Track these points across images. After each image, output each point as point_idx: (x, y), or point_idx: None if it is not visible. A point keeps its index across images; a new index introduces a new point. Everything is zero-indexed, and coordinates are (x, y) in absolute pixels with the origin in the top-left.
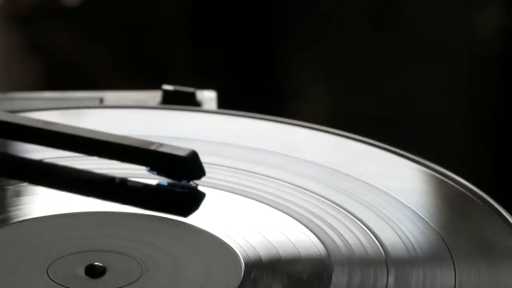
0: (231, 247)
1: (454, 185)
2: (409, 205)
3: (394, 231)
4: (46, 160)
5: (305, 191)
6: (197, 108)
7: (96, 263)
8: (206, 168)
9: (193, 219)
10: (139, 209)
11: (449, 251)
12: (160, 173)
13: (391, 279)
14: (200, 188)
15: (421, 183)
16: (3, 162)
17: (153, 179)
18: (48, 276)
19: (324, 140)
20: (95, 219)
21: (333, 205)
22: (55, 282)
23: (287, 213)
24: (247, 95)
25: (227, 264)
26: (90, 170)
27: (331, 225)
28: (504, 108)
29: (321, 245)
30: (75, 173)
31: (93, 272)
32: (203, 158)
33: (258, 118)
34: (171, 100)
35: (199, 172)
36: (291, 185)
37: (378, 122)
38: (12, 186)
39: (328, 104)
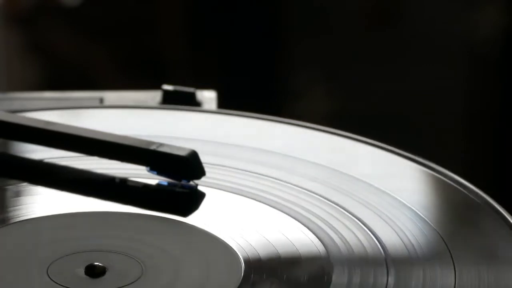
0: (231, 247)
1: (454, 185)
2: (409, 205)
3: (394, 231)
4: (46, 160)
5: (305, 191)
6: (197, 108)
7: (96, 263)
8: (206, 168)
9: (193, 219)
10: (139, 209)
11: (449, 251)
12: (160, 173)
13: (391, 279)
14: (200, 188)
15: (421, 183)
16: (3, 162)
17: (153, 179)
18: (48, 276)
19: (324, 140)
20: (95, 219)
21: (333, 205)
22: (55, 282)
23: (287, 213)
24: (247, 95)
25: (227, 264)
26: (90, 170)
27: (331, 225)
28: (504, 108)
29: (321, 245)
30: (75, 173)
31: (93, 272)
32: (203, 158)
33: (258, 118)
34: (171, 100)
35: (199, 172)
36: (291, 185)
37: (378, 122)
38: (12, 186)
39: (328, 104)
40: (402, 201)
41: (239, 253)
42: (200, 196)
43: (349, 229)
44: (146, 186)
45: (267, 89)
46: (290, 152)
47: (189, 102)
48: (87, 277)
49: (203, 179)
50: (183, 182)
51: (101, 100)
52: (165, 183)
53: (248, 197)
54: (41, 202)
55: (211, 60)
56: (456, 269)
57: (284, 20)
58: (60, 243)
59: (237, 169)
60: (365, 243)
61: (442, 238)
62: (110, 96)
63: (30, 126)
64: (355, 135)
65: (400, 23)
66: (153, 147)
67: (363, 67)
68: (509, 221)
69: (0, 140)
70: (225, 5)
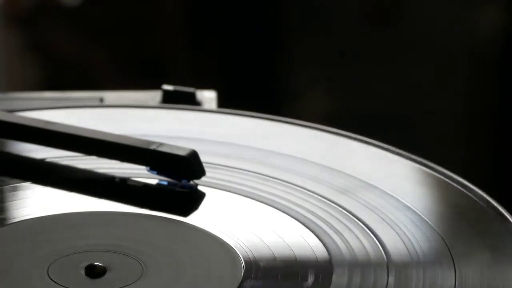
0: (231, 247)
1: (454, 185)
2: (409, 205)
3: (394, 231)
4: (46, 160)
5: (305, 191)
6: (197, 108)
7: (96, 263)
8: (206, 168)
9: (193, 219)
10: (139, 209)
11: (450, 251)
12: (160, 172)
13: (391, 280)
14: (200, 188)
15: (421, 183)
16: (3, 162)
17: (153, 179)
18: (48, 276)
19: (324, 140)
20: (95, 219)
21: (333, 205)
22: (55, 282)
23: (287, 213)
24: (247, 95)
25: (227, 264)
26: (90, 170)
27: (331, 225)
28: (504, 108)
29: (321, 245)
30: (75, 173)
31: (93, 272)
32: (203, 158)
33: (258, 118)
34: (171, 100)
35: (199, 171)
36: (291, 185)
37: (378, 122)
38: (12, 186)
39: (328, 104)
40: (402, 200)
41: (239, 253)
42: (200, 196)
43: (349, 229)
44: (146, 186)
45: (267, 89)
46: (290, 152)
47: (189, 102)
48: (87, 277)
49: (203, 179)
50: (183, 182)
51: (101, 100)
52: (165, 183)
53: (248, 197)
54: (41, 202)
55: (211, 60)
56: (456, 270)
57: (284, 20)
58: (60, 243)
59: (237, 169)
60: (365, 243)
61: (442, 238)
62: (110, 96)
63: (30, 126)
64: (355, 135)
65: (400, 23)
66: (153, 147)
67: (363, 67)
68: (509, 221)
69: (0, 140)
70: (225, 5)
